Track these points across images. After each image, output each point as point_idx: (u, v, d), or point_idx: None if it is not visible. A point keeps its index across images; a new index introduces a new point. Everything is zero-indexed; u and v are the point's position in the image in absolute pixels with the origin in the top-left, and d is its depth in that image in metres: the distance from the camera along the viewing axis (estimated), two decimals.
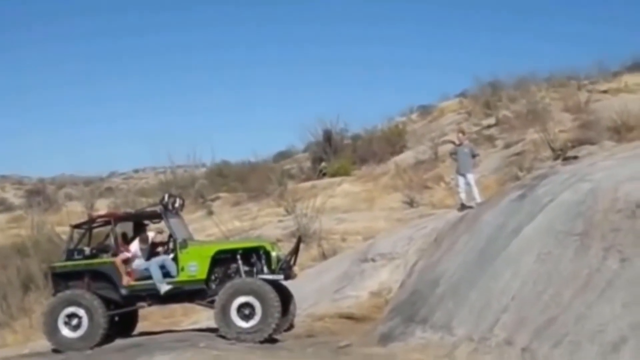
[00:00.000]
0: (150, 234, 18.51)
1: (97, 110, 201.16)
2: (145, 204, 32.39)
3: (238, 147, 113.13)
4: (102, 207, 53.14)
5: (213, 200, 48.69)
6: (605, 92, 48.92)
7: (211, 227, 34.43)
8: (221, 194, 50.91)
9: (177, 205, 18.82)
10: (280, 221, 36.32)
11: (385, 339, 15.85)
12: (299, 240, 18.79)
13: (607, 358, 10.14)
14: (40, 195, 71.32)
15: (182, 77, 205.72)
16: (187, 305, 20.74)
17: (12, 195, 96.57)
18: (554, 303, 12.17)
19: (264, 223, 37.01)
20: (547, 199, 14.91)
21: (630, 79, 50.48)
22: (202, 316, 22.61)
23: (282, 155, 69.63)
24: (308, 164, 57.40)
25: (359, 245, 26.46)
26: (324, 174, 50.06)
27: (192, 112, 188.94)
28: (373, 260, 22.43)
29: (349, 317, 20.13)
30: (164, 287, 17.00)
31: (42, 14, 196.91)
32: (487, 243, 15.73)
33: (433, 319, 15.08)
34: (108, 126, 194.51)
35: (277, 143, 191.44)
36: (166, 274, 17.16)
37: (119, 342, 17.21)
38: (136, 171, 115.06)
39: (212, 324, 17.86)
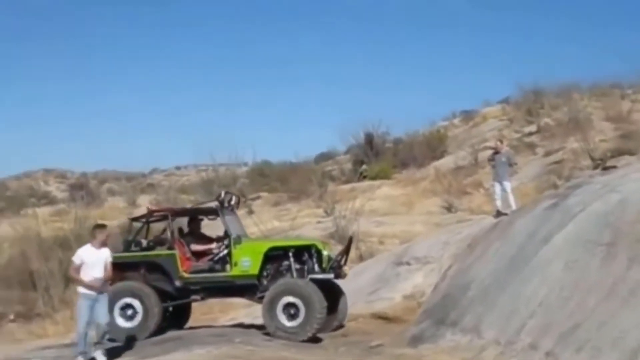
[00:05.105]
0: None
1: (140, 105, 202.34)
2: (185, 201, 32.72)
3: (280, 147, 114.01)
4: (144, 203, 53.79)
5: (254, 199, 49.09)
6: None
7: (251, 227, 34.78)
8: (262, 194, 51.33)
9: (232, 202, 19.29)
10: (319, 222, 36.69)
11: (416, 340, 16.15)
12: (350, 240, 19.09)
13: None
14: (83, 189, 72.08)
15: (226, 74, 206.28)
16: (225, 301, 21.20)
17: (56, 189, 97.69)
18: (578, 310, 12.45)
19: (302, 224, 37.37)
20: (578, 209, 15.15)
21: None
22: (239, 313, 23.04)
23: (324, 157, 70.03)
24: (349, 166, 57.83)
25: (396, 249, 26.76)
26: (365, 177, 50.38)
27: (235, 110, 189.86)
28: (408, 263, 22.73)
29: (383, 317, 20.48)
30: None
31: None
32: (518, 250, 16.00)
33: (463, 322, 15.37)
34: (151, 122, 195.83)
35: (319, 144, 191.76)
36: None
37: (158, 336, 17.64)
38: (178, 168, 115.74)
39: (250, 320, 18.29)
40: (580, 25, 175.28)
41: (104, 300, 15.13)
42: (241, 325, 19.30)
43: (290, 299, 16.80)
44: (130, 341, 16.97)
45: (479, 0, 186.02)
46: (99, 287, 14.96)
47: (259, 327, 17.86)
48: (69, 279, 15.67)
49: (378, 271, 23.71)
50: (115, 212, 40.22)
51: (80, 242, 30.77)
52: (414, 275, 22.13)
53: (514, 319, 13.82)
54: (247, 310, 23.04)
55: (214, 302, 21.90)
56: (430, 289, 20.22)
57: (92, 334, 15.18)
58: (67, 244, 31.45)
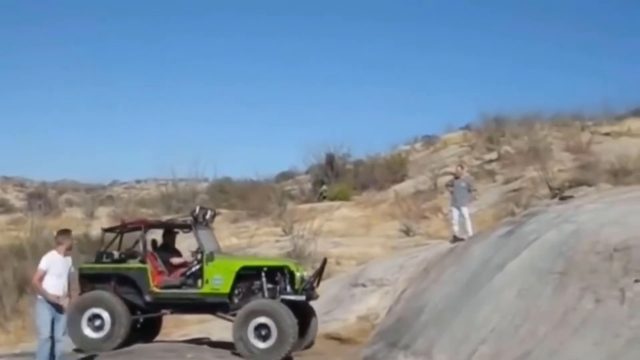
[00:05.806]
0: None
1: (102, 117, 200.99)
2: (145, 214, 32.59)
3: (241, 164, 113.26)
4: (102, 215, 53.52)
5: None
6: (607, 134, 49.25)
7: None
8: (221, 210, 51.15)
9: (207, 217, 19.15)
10: (277, 241, 36.63)
11: None
12: (324, 262, 18.87)
13: None
14: (41, 199, 71.50)
15: (190, 89, 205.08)
16: (179, 317, 21.10)
17: (14, 197, 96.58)
18: (530, 337, 12.56)
19: (260, 242, 37.29)
20: (532, 237, 15.29)
21: (634, 123, 50.70)
22: (193, 329, 22.95)
23: (284, 176, 70.02)
24: (309, 186, 57.83)
25: (351, 270, 26.81)
26: (324, 197, 50.44)
27: (197, 126, 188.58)
28: (363, 285, 22.79)
29: (336, 338, 20.49)
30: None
31: (49, 14, 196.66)
32: (473, 276, 16.11)
33: (415, 345, 15.41)
34: (112, 134, 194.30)
35: (280, 162, 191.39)
36: None
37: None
38: (138, 181, 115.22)
39: (202, 335, 18.23)
40: (548, 53, 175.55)
41: (62, 316, 14.75)
42: (193, 341, 19.26)
43: (262, 319, 16.66)
44: (86, 353, 16.90)
45: (448, 24, 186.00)
46: (59, 305, 14.63)
47: (211, 343, 17.85)
48: (32, 287, 15.00)
49: (333, 292, 23.74)
50: (73, 223, 39.88)
51: (36, 252, 30.72)
52: (369, 297, 22.19)
53: (466, 344, 13.90)
54: (201, 327, 22.98)
55: (169, 316, 21.79)
56: (384, 311, 20.29)
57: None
58: (23, 253, 31.23)
